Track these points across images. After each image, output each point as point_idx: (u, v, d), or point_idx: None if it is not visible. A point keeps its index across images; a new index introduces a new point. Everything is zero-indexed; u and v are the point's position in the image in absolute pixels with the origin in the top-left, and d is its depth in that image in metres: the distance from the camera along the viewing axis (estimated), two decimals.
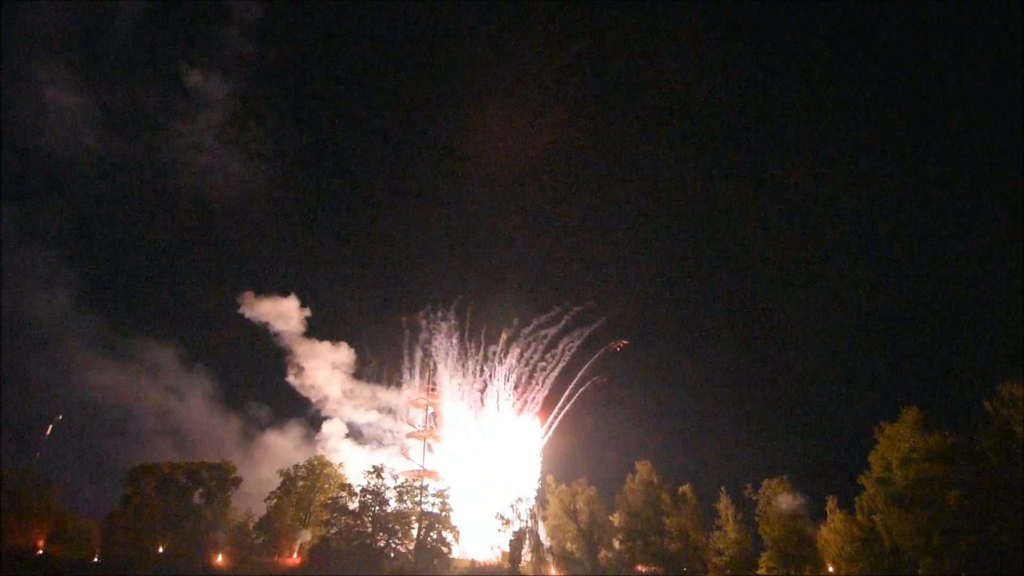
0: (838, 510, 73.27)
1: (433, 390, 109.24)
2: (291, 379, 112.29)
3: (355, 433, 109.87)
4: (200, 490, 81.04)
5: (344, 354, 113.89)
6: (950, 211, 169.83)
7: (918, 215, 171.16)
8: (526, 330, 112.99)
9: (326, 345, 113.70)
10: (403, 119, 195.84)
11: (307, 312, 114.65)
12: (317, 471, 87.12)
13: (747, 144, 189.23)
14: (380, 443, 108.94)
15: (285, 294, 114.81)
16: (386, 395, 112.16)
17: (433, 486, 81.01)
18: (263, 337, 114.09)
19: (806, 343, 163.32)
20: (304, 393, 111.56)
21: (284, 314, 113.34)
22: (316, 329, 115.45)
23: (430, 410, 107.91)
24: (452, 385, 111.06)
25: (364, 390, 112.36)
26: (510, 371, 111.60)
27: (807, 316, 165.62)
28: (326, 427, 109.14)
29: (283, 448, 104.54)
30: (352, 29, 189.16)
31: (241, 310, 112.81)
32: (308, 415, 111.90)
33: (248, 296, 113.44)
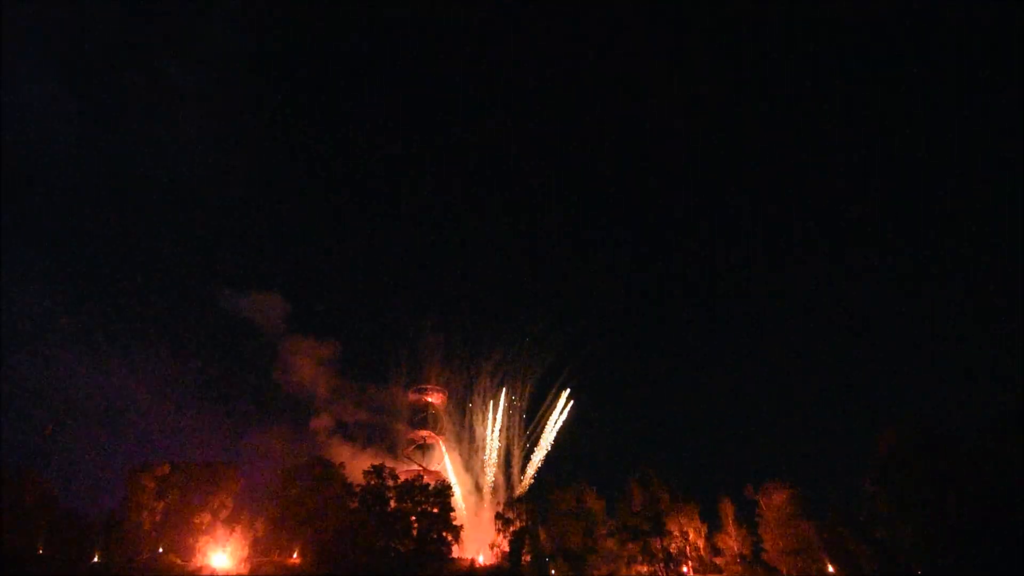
0: (838, 510, 73.26)
1: (429, 389, 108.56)
2: (277, 376, 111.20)
3: (346, 431, 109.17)
4: (200, 490, 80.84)
5: (331, 350, 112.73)
6: (949, 208, 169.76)
7: (915, 210, 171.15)
8: (514, 327, 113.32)
9: (311, 341, 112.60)
10: (393, 116, 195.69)
11: (290, 308, 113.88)
12: (317, 471, 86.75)
13: (748, 133, 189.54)
14: (373, 441, 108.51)
15: (268, 289, 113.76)
16: (378, 393, 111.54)
17: (433, 486, 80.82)
18: (248, 334, 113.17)
19: (808, 345, 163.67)
20: (291, 390, 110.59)
21: (267, 310, 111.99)
22: (302, 325, 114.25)
23: (428, 410, 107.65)
24: (444, 383, 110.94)
25: (353, 387, 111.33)
26: (498, 369, 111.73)
27: (808, 317, 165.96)
28: (315, 424, 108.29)
29: (274, 447, 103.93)
30: (328, 31, 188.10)
31: (224, 306, 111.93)
32: (297, 413, 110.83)
33: (231, 292, 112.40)
